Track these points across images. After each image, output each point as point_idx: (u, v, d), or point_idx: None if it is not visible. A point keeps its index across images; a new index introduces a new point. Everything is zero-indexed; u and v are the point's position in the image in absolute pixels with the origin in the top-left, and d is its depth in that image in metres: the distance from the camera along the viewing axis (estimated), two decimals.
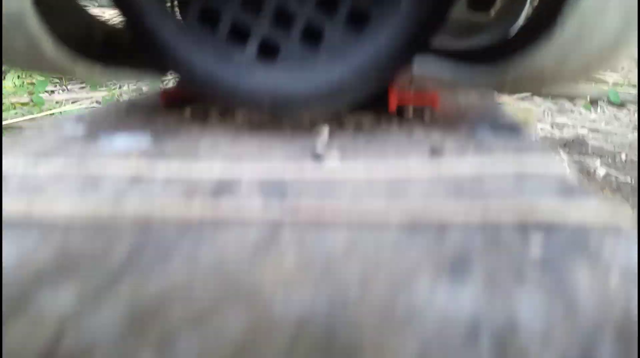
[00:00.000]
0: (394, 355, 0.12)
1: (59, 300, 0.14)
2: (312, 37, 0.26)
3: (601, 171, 1.22)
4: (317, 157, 0.26)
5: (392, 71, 0.28)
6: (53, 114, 1.43)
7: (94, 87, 1.71)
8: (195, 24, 0.26)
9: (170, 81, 0.52)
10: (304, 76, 0.26)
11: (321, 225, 0.19)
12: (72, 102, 1.60)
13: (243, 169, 0.24)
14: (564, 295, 0.14)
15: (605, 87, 1.76)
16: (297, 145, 0.28)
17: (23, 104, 1.43)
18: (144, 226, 0.18)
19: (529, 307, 0.14)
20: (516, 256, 0.16)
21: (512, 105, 1.64)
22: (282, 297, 0.14)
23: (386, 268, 0.16)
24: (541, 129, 1.48)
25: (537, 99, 1.73)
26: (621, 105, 1.68)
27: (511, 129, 0.31)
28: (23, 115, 1.29)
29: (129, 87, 1.55)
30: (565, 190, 0.21)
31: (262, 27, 0.26)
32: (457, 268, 0.16)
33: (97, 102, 1.59)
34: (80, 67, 0.26)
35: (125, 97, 1.61)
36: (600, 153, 1.33)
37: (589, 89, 1.74)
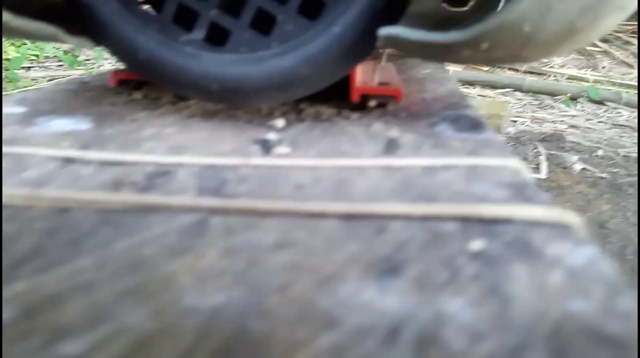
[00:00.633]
0: (305, 351, 0.11)
1: None
2: (264, 23, 0.25)
3: (578, 166, 1.24)
4: (266, 147, 0.25)
5: (349, 63, 0.27)
6: (28, 92, 1.38)
7: (72, 65, 1.66)
8: (138, 3, 0.25)
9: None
10: (254, 63, 0.25)
11: (254, 216, 0.17)
12: (49, 80, 1.55)
13: (183, 158, 0.22)
14: (499, 293, 0.13)
15: (585, 84, 1.79)
16: (249, 135, 0.27)
17: None
18: (61, 213, 0.17)
19: (459, 305, 0.13)
20: (454, 252, 0.15)
21: (492, 99, 1.66)
22: (197, 289, 0.13)
23: (315, 262, 0.15)
24: (521, 123, 1.49)
25: (518, 94, 1.75)
26: (600, 102, 1.70)
27: (472, 125, 0.30)
28: None
29: (108, 67, 1.51)
30: (516, 187, 0.21)
31: (211, 10, 0.25)
32: (390, 264, 0.15)
33: None
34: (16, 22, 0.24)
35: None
36: (578, 149, 1.35)
37: (570, 86, 1.77)
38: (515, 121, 1.50)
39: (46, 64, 1.74)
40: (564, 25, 0.22)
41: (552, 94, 1.74)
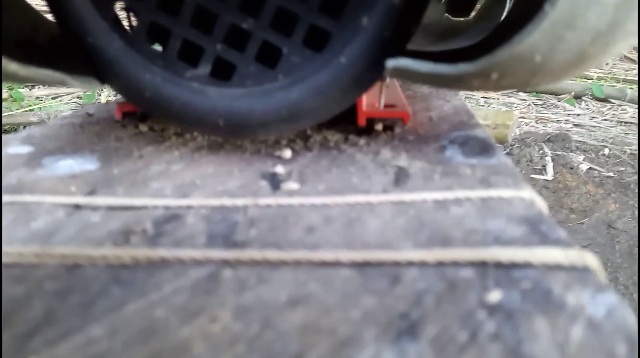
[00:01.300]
0: None
1: None
2: (270, 56, 0.25)
3: (584, 166, 1.23)
4: (274, 182, 0.25)
5: (355, 92, 0.26)
6: (33, 110, 1.39)
7: None
8: (144, 41, 0.25)
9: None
10: (260, 96, 0.25)
11: (266, 267, 0.17)
12: (53, 98, 1.55)
13: (191, 200, 0.22)
14: (520, 354, 0.13)
15: (589, 82, 1.78)
16: (257, 168, 0.27)
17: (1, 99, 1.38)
18: (71, 270, 0.17)
19: None
20: (472, 304, 0.15)
21: (496, 101, 1.65)
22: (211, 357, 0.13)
23: (330, 322, 0.14)
24: (525, 124, 1.48)
25: (522, 94, 1.74)
26: (605, 100, 1.69)
27: (482, 148, 0.30)
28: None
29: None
30: (532, 222, 0.20)
31: (215, 45, 0.24)
32: (408, 322, 0.14)
33: (78, 97, 1.55)
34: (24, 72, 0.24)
35: (105, 93, 1.57)
36: (583, 148, 1.34)
37: (574, 84, 1.75)
38: (520, 122, 1.49)
39: None
40: (575, 54, 0.21)
41: (555, 92, 1.73)
